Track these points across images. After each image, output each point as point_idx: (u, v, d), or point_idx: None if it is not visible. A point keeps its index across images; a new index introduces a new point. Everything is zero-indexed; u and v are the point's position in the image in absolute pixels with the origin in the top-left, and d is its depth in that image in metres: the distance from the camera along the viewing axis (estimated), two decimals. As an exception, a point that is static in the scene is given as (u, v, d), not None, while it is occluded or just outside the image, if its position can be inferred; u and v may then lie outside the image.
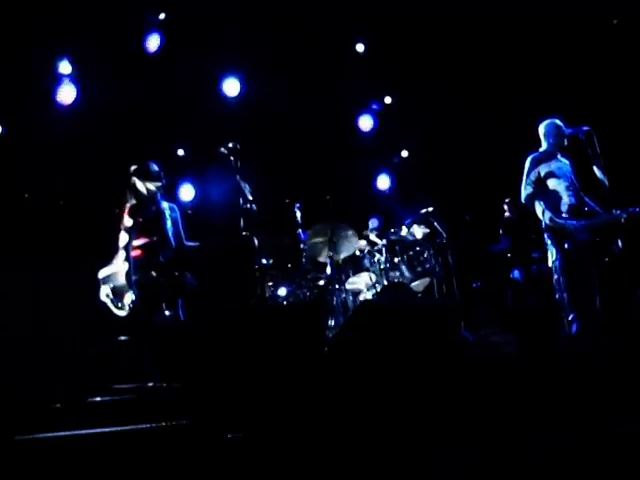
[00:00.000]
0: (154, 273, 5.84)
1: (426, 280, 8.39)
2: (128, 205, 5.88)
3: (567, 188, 6.59)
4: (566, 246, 6.39)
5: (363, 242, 8.60)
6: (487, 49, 9.50)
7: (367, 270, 8.26)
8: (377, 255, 8.23)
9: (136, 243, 5.82)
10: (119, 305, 5.59)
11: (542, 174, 6.64)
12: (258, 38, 9.35)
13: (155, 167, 6.12)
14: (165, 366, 5.10)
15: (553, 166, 6.67)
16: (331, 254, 8.22)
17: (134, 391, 4.81)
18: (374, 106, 11.01)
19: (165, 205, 6.29)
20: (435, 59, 9.68)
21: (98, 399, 4.49)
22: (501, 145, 9.24)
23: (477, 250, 9.42)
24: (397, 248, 8.43)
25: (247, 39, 9.28)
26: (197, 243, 6.48)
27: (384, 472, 3.29)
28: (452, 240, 8.36)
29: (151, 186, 5.97)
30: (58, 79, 8.51)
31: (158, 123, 9.26)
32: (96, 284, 5.69)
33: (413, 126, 10.65)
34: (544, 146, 6.85)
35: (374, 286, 8.01)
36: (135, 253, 5.76)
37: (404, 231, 8.35)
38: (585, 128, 6.59)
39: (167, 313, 5.82)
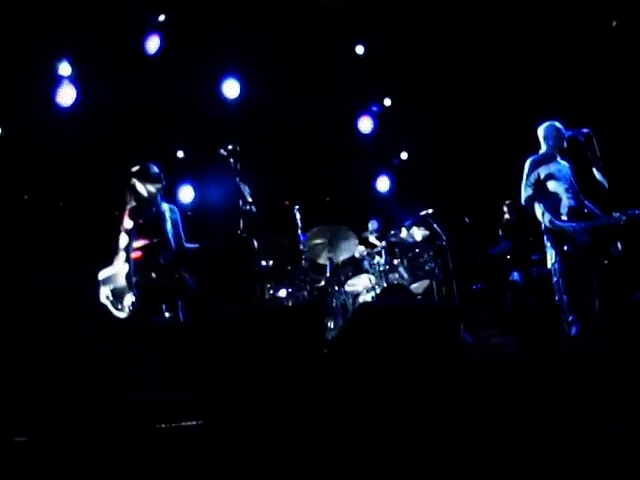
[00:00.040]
0: (154, 275, 5.83)
1: (425, 282, 8.40)
2: (128, 207, 5.87)
3: (567, 190, 6.59)
4: (565, 248, 6.39)
5: (362, 248, 8.59)
6: (487, 50, 9.50)
7: (367, 272, 8.26)
8: (377, 257, 8.23)
9: (136, 245, 5.81)
10: (119, 307, 5.58)
11: (542, 176, 6.64)
12: (258, 40, 9.35)
13: (155, 169, 6.12)
14: (165, 367, 5.11)
15: (553, 168, 6.67)
16: (330, 256, 8.23)
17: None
18: (374, 108, 11.01)
19: (165, 207, 6.29)
20: (435, 60, 9.68)
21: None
22: (501, 147, 9.25)
23: (476, 252, 9.42)
24: (397, 250, 8.44)
25: (246, 41, 9.28)
26: (197, 245, 6.48)
27: (384, 472, 3.29)
28: (452, 242, 8.36)
29: (151, 188, 5.97)
30: (58, 80, 8.50)
31: (158, 124, 9.25)
32: (96, 284, 5.69)
33: (413, 128, 10.65)
34: (544, 148, 6.85)
35: (374, 288, 8.01)
36: (135, 255, 5.76)
37: (404, 233, 8.36)
38: (584, 130, 6.60)
39: (167, 315, 5.82)
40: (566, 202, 6.54)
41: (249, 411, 3.86)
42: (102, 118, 8.79)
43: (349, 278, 8.31)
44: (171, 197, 8.26)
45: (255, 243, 6.69)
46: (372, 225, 9.37)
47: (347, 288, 8.24)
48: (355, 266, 8.55)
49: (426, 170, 10.85)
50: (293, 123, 9.98)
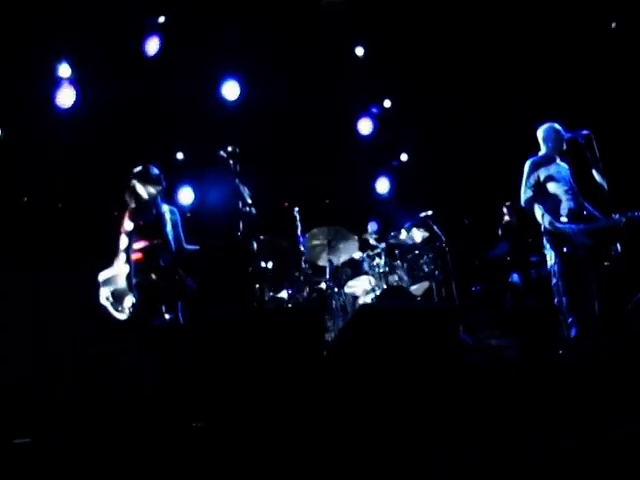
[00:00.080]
0: (154, 276, 5.83)
1: (425, 284, 8.40)
2: (128, 209, 5.87)
3: (566, 192, 6.60)
4: (565, 250, 6.40)
5: (359, 254, 8.59)
6: (487, 50, 9.50)
7: (366, 274, 8.26)
8: (376, 259, 8.24)
9: (137, 246, 5.81)
10: (119, 308, 5.58)
11: (541, 178, 6.64)
12: (257, 41, 9.35)
13: (155, 170, 6.12)
14: (165, 369, 5.11)
15: (552, 170, 6.68)
16: (330, 257, 8.23)
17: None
18: (373, 109, 11.01)
19: (165, 208, 6.29)
20: (435, 61, 9.68)
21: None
22: (500, 148, 9.24)
23: (476, 254, 9.42)
24: (396, 252, 8.44)
25: (246, 42, 9.28)
26: (197, 246, 6.48)
27: (385, 472, 3.29)
28: (451, 244, 8.36)
29: (151, 189, 5.96)
30: (57, 82, 8.50)
31: (157, 126, 9.25)
32: (96, 285, 5.69)
33: (412, 130, 10.65)
34: (543, 150, 6.86)
35: (373, 290, 8.01)
36: (136, 256, 5.76)
37: (403, 235, 8.35)
38: (584, 132, 6.60)
39: (167, 316, 5.82)
40: (566, 204, 6.55)
41: (250, 412, 3.86)
42: (102, 119, 8.79)
43: (349, 280, 8.31)
44: (171, 199, 8.25)
45: (255, 245, 6.70)
46: (372, 227, 9.38)
47: (347, 290, 8.24)
48: (355, 268, 8.55)
49: (426, 172, 10.84)
50: (292, 125, 9.98)
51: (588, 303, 6.40)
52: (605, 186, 6.46)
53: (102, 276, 5.73)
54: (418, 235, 8.35)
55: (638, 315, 5.46)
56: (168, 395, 4.33)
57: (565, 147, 6.81)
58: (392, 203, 11.07)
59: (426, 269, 8.24)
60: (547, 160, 6.76)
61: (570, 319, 6.34)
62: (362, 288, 8.22)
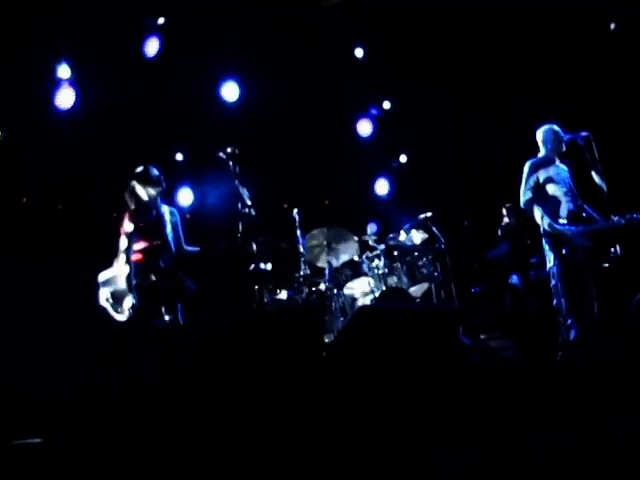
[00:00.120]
0: (153, 277, 5.84)
1: (424, 285, 8.40)
2: (128, 210, 5.88)
3: (565, 194, 6.60)
4: (564, 252, 6.40)
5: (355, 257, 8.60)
6: (487, 51, 9.51)
7: (365, 275, 8.26)
8: (375, 260, 8.23)
9: (136, 247, 5.81)
10: (119, 310, 5.59)
11: (541, 180, 6.65)
12: (257, 43, 9.35)
13: (155, 172, 6.13)
14: (164, 370, 5.11)
15: (552, 172, 6.68)
16: (329, 259, 8.23)
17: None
18: (373, 111, 11.01)
19: (165, 209, 6.30)
20: (434, 62, 9.68)
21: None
22: (500, 150, 9.25)
23: (475, 255, 9.42)
24: (395, 253, 8.44)
25: (246, 44, 9.28)
26: (196, 248, 6.49)
27: (385, 473, 3.29)
28: (450, 245, 8.36)
29: (151, 191, 5.97)
30: (57, 83, 8.50)
31: (157, 127, 9.25)
32: (95, 286, 5.69)
33: (412, 131, 10.65)
34: (542, 152, 6.86)
35: (372, 291, 8.01)
36: (136, 257, 5.77)
37: (402, 236, 8.35)
38: (583, 134, 6.61)
39: (166, 318, 5.82)
40: (565, 206, 6.55)
41: (249, 413, 3.86)
42: (102, 120, 8.78)
43: (348, 281, 8.31)
44: (170, 200, 8.25)
45: (254, 246, 6.70)
46: (371, 228, 9.38)
47: (346, 291, 8.24)
48: (354, 269, 8.55)
49: (425, 173, 10.84)
50: (292, 126, 9.98)
51: (587, 305, 6.40)
52: (604, 188, 6.46)
53: (102, 277, 5.74)
54: (417, 236, 8.34)
55: (638, 315, 5.46)
56: (168, 396, 4.33)
57: (564, 149, 6.81)
58: (391, 204, 11.06)
59: (425, 271, 8.23)
60: (546, 162, 6.77)
61: (569, 321, 6.35)
62: (361, 289, 8.22)
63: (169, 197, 8.12)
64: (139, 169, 6.09)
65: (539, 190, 6.64)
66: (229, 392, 4.02)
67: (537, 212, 6.59)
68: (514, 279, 8.61)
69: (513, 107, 9.40)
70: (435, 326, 4.89)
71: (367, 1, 9.33)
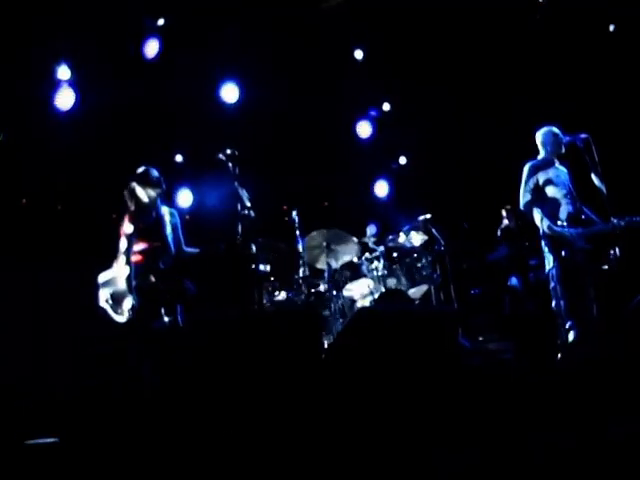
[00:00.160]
0: (153, 279, 5.84)
1: (424, 287, 8.40)
2: (128, 211, 5.88)
3: (565, 196, 6.61)
4: (563, 254, 6.40)
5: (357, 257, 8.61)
6: (487, 52, 9.51)
7: (365, 277, 8.26)
8: (375, 262, 8.23)
9: (136, 248, 5.82)
10: (118, 311, 5.59)
11: (540, 182, 6.65)
12: (257, 44, 9.35)
13: (155, 173, 6.14)
14: (164, 372, 5.11)
15: (551, 174, 6.68)
16: (329, 260, 8.23)
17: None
18: (372, 112, 11.01)
19: (165, 210, 6.31)
20: (434, 63, 9.68)
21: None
22: (500, 152, 9.25)
23: (475, 257, 9.42)
24: (395, 255, 8.44)
25: (246, 45, 9.29)
26: (196, 249, 6.50)
27: (385, 473, 3.29)
28: (450, 247, 8.36)
29: (151, 192, 5.98)
30: (56, 84, 8.50)
31: (156, 128, 9.26)
32: (95, 287, 5.69)
33: (411, 132, 10.65)
34: (542, 154, 6.86)
35: (371, 293, 8.01)
36: (136, 258, 5.77)
37: (402, 238, 8.35)
38: (583, 136, 6.60)
39: (166, 319, 5.83)
40: (564, 208, 6.55)
41: (248, 414, 3.86)
42: (101, 121, 8.79)
43: (347, 283, 8.31)
44: (169, 201, 8.26)
45: (253, 247, 6.70)
46: (370, 230, 9.36)
47: (345, 293, 8.24)
48: (353, 271, 8.55)
49: (425, 175, 10.84)
50: (291, 127, 9.99)
51: (586, 307, 6.41)
52: (604, 190, 6.46)
53: (102, 278, 5.74)
54: (417, 238, 8.34)
55: (638, 317, 5.46)
56: (168, 397, 4.33)
57: (564, 151, 6.82)
58: (391, 206, 11.06)
59: (425, 272, 8.23)
60: (546, 164, 6.77)
61: (569, 323, 6.35)
62: (361, 291, 8.22)
63: (169, 198, 8.11)
64: (139, 170, 6.10)
65: (538, 192, 6.64)
66: (229, 394, 4.02)
67: (536, 214, 6.59)
68: (513, 281, 8.61)
69: (513, 109, 9.40)
70: (434, 328, 4.89)
71: (367, 2, 9.34)
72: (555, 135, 6.82)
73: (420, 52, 9.67)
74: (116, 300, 5.61)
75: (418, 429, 3.75)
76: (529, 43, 9.34)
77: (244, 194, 6.60)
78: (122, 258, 5.67)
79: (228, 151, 6.64)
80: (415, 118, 10.48)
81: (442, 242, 8.31)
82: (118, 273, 5.65)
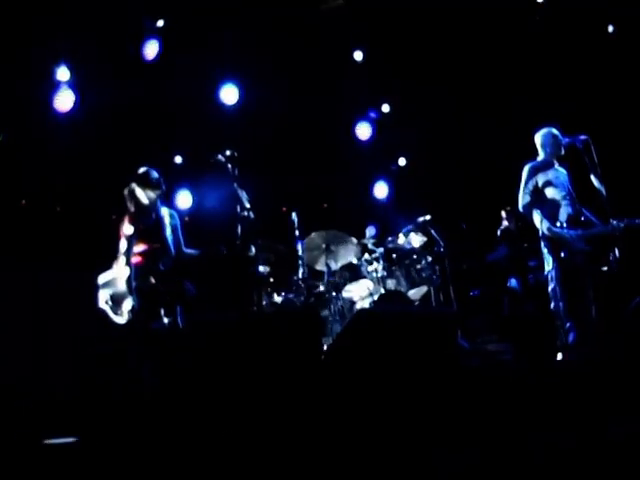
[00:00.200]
0: (153, 280, 5.84)
1: (423, 288, 8.40)
2: (128, 212, 5.89)
3: (564, 197, 6.61)
4: (562, 255, 6.40)
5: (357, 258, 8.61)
6: (486, 53, 9.52)
7: (364, 278, 8.26)
8: (374, 263, 8.23)
9: (136, 250, 5.82)
10: (118, 312, 5.59)
11: (540, 183, 6.65)
12: (256, 46, 9.36)
13: (155, 174, 6.14)
14: (163, 373, 5.11)
15: (551, 175, 6.68)
16: (328, 262, 8.23)
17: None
18: (372, 114, 11.01)
19: (165, 212, 6.31)
20: (434, 65, 9.69)
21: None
22: (499, 153, 9.25)
23: (474, 258, 9.42)
24: (394, 256, 8.43)
25: (245, 46, 9.29)
26: (196, 251, 6.50)
27: (385, 473, 3.30)
28: (449, 248, 8.36)
29: (151, 193, 5.99)
30: (56, 86, 8.51)
31: (156, 130, 9.26)
32: (95, 288, 5.69)
33: (411, 134, 10.65)
34: (541, 155, 6.86)
35: (371, 294, 8.01)
36: (135, 260, 5.78)
37: (401, 239, 8.35)
38: (582, 137, 6.61)
39: (166, 320, 5.83)
40: (564, 209, 6.56)
41: (248, 416, 3.86)
42: (101, 123, 8.79)
43: (347, 284, 8.31)
44: (169, 203, 8.26)
45: (253, 249, 6.70)
46: (370, 231, 9.37)
47: (344, 294, 8.23)
48: (353, 272, 8.55)
49: (424, 176, 10.84)
50: (291, 129, 9.99)
51: (585, 308, 6.42)
52: (603, 192, 6.47)
53: (102, 279, 5.74)
54: (416, 240, 8.33)
55: (637, 318, 5.47)
56: (168, 399, 4.33)
57: (563, 152, 6.82)
58: (390, 207, 11.05)
59: (424, 274, 8.23)
60: (545, 165, 6.77)
61: (568, 324, 6.36)
62: (360, 293, 8.21)
63: (168, 200, 8.12)
64: (139, 172, 6.10)
65: (538, 194, 6.64)
66: (228, 395, 4.02)
67: (536, 216, 6.58)
68: (513, 282, 8.61)
69: (513, 109, 9.41)
70: (434, 329, 4.89)
71: (367, 3, 9.34)
72: (554, 136, 6.82)
73: (420, 53, 9.68)
74: (116, 301, 5.61)
75: (418, 430, 3.76)
76: (529, 44, 9.35)
77: (243, 195, 6.60)
78: (122, 259, 5.67)
79: (227, 152, 6.64)
80: (415, 119, 10.48)
81: (441, 243, 8.30)
82: (118, 274, 5.65)
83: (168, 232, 6.16)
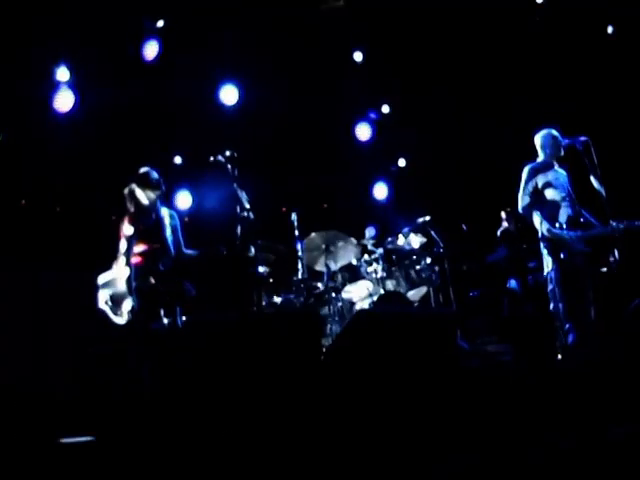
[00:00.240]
0: (153, 280, 5.84)
1: (423, 289, 8.40)
2: (128, 213, 5.89)
3: (564, 199, 6.61)
4: (562, 256, 6.40)
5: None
6: (486, 53, 9.52)
7: (364, 279, 8.26)
8: (374, 264, 8.23)
9: (136, 250, 5.82)
10: (118, 313, 5.59)
11: (539, 184, 6.64)
12: (256, 46, 9.36)
13: (155, 175, 6.15)
14: (163, 373, 5.11)
15: (550, 177, 6.68)
16: (328, 262, 8.23)
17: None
18: (372, 115, 11.01)
19: (165, 212, 6.31)
20: (434, 65, 9.69)
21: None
22: (499, 155, 9.26)
23: (474, 259, 9.41)
24: (394, 257, 8.43)
25: (245, 47, 9.29)
26: (196, 251, 6.50)
27: (385, 473, 3.30)
28: (449, 249, 8.35)
29: (151, 194, 5.99)
30: (56, 86, 8.51)
31: (155, 130, 9.26)
32: (95, 288, 5.69)
33: (411, 135, 10.66)
34: (541, 156, 6.86)
35: (370, 295, 8.01)
36: (135, 260, 5.78)
37: (401, 240, 8.35)
38: (582, 138, 6.60)
39: (165, 321, 5.82)
40: (563, 211, 6.55)
41: (247, 416, 3.86)
42: (100, 123, 8.80)
43: (346, 285, 8.31)
44: (168, 203, 8.26)
45: (253, 249, 6.70)
46: (369, 232, 9.37)
47: (344, 295, 8.23)
48: (352, 273, 8.55)
49: (424, 177, 10.85)
50: (291, 129, 9.99)
51: (585, 309, 6.41)
52: (603, 193, 6.46)
53: (102, 279, 5.75)
54: (416, 240, 8.33)
55: (637, 319, 5.47)
56: (167, 399, 4.33)
57: (563, 153, 6.82)
58: (390, 208, 11.06)
59: (424, 274, 8.23)
60: (545, 167, 6.77)
61: (567, 325, 6.35)
62: (359, 293, 8.21)
63: (167, 200, 8.12)
64: (139, 172, 6.10)
65: (538, 195, 6.64)
66: (228, 395, 4.02)
67: (536, 217, 6.58)
68: (512, 283, 8.60)
69: (513, 110, 9.41)
70: (433, 330, 4.89)
71: (367, 3, 9.35)
72: (554, 138, 6.82)
73: (420, 53, 9.68)
74: (116, 302, 5.62)
75: (417, 430, 3.76)
76: (529, 44, 9.36)
77: (243, 196, 6.60)
78: (122, 260, 5.68)
79: (227, 153, 6.64)
80: (415, 120, 10.48)
81: (441, 244, 8.30)
82: (118, 275, 5.65)
83: (168, 232, 6.17)
